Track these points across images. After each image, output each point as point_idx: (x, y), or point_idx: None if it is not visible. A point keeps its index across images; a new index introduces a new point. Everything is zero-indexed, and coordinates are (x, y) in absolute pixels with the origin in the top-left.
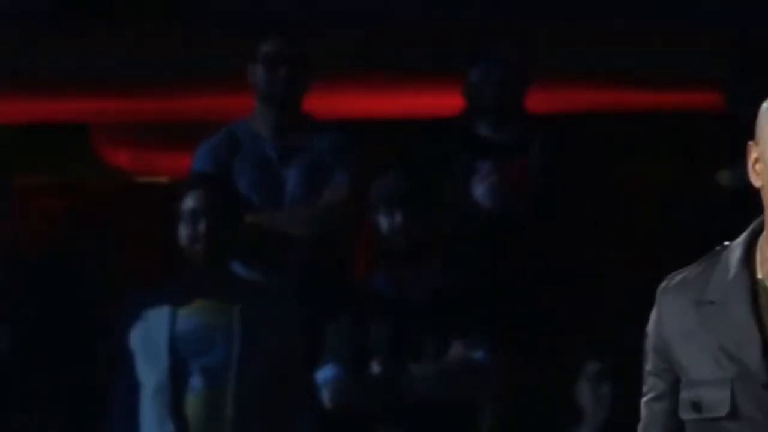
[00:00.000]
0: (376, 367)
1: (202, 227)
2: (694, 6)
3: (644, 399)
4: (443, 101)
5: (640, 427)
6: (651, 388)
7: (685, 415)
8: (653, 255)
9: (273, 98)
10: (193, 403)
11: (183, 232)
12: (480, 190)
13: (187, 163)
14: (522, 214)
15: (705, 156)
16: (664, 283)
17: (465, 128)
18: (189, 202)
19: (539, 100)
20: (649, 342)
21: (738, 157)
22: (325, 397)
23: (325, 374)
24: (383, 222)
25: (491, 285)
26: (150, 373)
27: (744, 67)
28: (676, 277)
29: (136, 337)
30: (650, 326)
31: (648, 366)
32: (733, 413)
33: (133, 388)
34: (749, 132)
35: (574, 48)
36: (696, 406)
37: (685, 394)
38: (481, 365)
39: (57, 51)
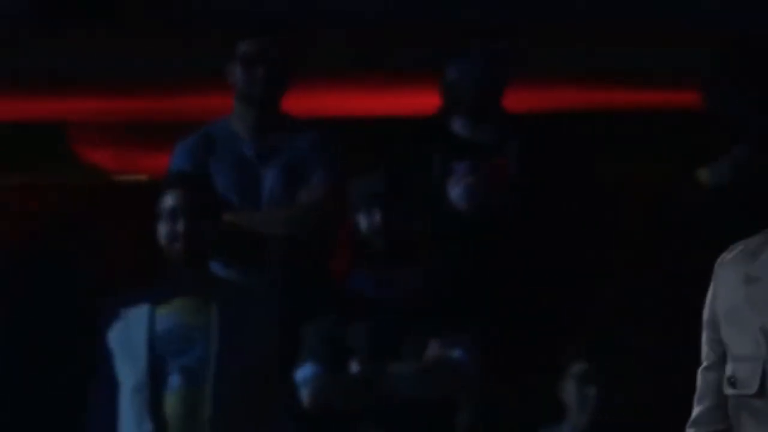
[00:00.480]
0: (355, 367)
1: (181, 226)
2: (672, 5)
3: (700, 368)
4: (422, 100)
5: (696, 396)
6: (705, 357)
7: (725, 390)
8: (634, 254)
9: (251, 98)
10: (171, 402)
11: (162, 231)
12: (456, 192)
13: (165, 163)
14: (500, 213)
15: (685, 155)
16: (722, 256)
17: (443, 127)
18: (168, 201)
19: (518, 99)
20: (705, 313)
21: (718, 155)
22: (304, 396)
23: (304, 373)
24: (362, 221)
25: (470, 284)
26: (129, 372)
27: (723, 67)
28: (734, 250)
29: (115, 337)
30: (707, 298)
31: (704, 336)
32: (762, 392)
33: (111, 387)
34: (728, 130)
35: (552, 47)
36: (732, 382)
37: (726, 369)
38: (460, 364)
39: (36, 51)
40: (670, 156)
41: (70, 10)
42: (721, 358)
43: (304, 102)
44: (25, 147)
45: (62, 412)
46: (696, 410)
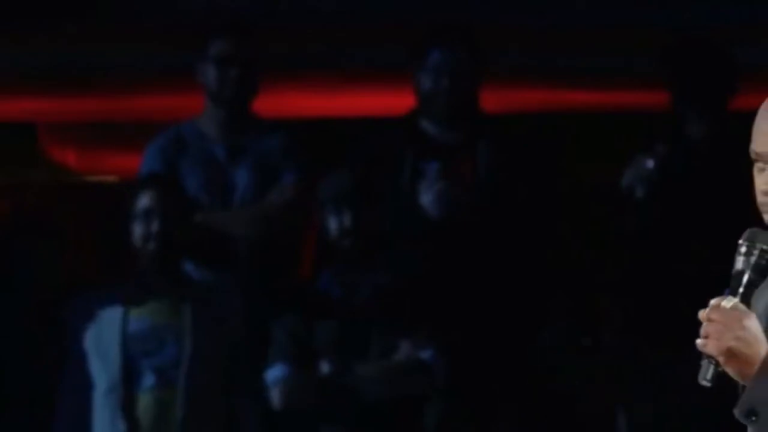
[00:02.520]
0: (324, 368)
1: (155, 227)
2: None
3: None
4: (392, 100)
5: None
6: None
7: None
8: (603, 256)
9: (222, 99)
10: (144, 403)
11: (136, 231)
12: (428, 198)
13: (136, 164)
14: (469, 214)
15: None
16: None
17: (414, 128)
18: (142, 202)
19: (488, 100)
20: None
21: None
22: (274, 396)
23: (273, 374)
24: (331, 222)
25: (439, 285)
26: (102, 373)
27: (688, 67)
28: None
29: (87, 337)
30: None
31: None
32: None
33: (80, 388)
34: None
35: (523, 48)
36: None
37: None
38: (428, 365)
39: (3, 50)
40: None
41: (39, 9)
42: None
43: (273, 102)
44: None
45: (32, 415)
46: None
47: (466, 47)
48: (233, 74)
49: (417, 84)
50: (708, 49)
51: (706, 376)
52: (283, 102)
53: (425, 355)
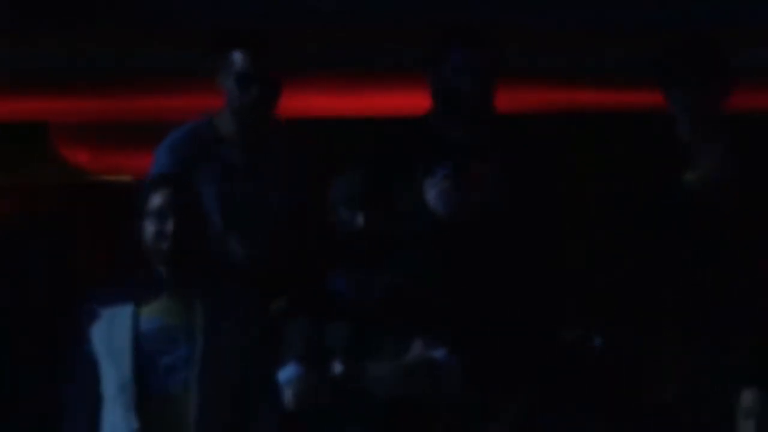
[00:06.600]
0: (337, 367)
1: (169, 226)
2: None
3: None
4: (407, 101)
5: None
6: None
7: None
8: (613, 258)
9: (243, 111)
10: (156, 403)
11: (149, 230)
12: (432, 195)
13: (148, 163)
14: (482, 215)
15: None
16: None
17: (428, 129)
18: (156, 201)
19: (504, 101)
20: None
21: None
22: (287, 396)
23: (286, 374)
24: (343, 222)
25: (450, 285)
26: (113, 373)
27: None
28: None
29: (99, 337)
30: None
31: None
32: None
33: (92, 388)
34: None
35: (541, 49)
36: None
37: None
38: (440, 365)
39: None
40: (654, 158)
41: (49, 12)
42: None
43: (287, 102)
44: (5, 147)
45: (40, 414)
46: None
47: (487, 47)
48: (255, 91)
49: (435, 84)
50: (701, 49)
51: None
52: (295, 102)
53: (438, 354)
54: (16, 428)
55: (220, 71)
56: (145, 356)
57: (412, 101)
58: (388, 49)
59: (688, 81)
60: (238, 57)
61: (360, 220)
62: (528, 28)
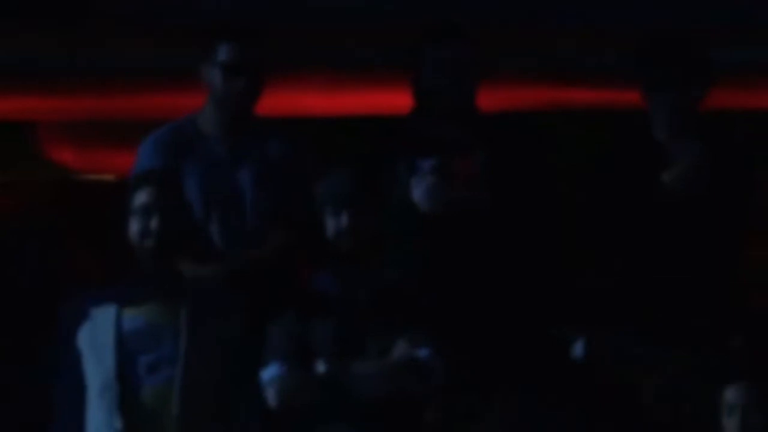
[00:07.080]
0: (320, 366)
1: (154, 223)
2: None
3: None
4: (391, 100)
5: None
6: None
7: None
8: (598, 256)
9: (227, 104)
10: (140, 401)
11: (134, 227)
12: (418, 191)
13: (130, 162)
14: (466, 212)
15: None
16: None
17: (413, 127)
18: (140, 198)
19: (487, 99)
20: None
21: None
22: (270, 395)
23: (269, 373)
24: (330, 222)
25: (435, 283)
26: (96, 372)
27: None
28: None
29: (82, 336)
30: None
31: None
32: None
33: (76, 387)
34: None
35: (521, 46)
36: None
37: None
38: (425, 363)
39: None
40: (630, 157)
41: (38, 9)
42: None
43: (272, 101)
44: None
45: (26, 412)
46: None
47: (464, 45)
48: (240, 82)
49: (416, 81)
50: (679, 48)
51: None
52: (281, 101)
53: (422, 353)
54: (4, 427)
55: (204, 63)
56: (128, 355)
57: (398, 100)
58: (373, 48)
59: (666, 81)
60: (225, 48)
61: (345, 218)
62: (510, 27)
